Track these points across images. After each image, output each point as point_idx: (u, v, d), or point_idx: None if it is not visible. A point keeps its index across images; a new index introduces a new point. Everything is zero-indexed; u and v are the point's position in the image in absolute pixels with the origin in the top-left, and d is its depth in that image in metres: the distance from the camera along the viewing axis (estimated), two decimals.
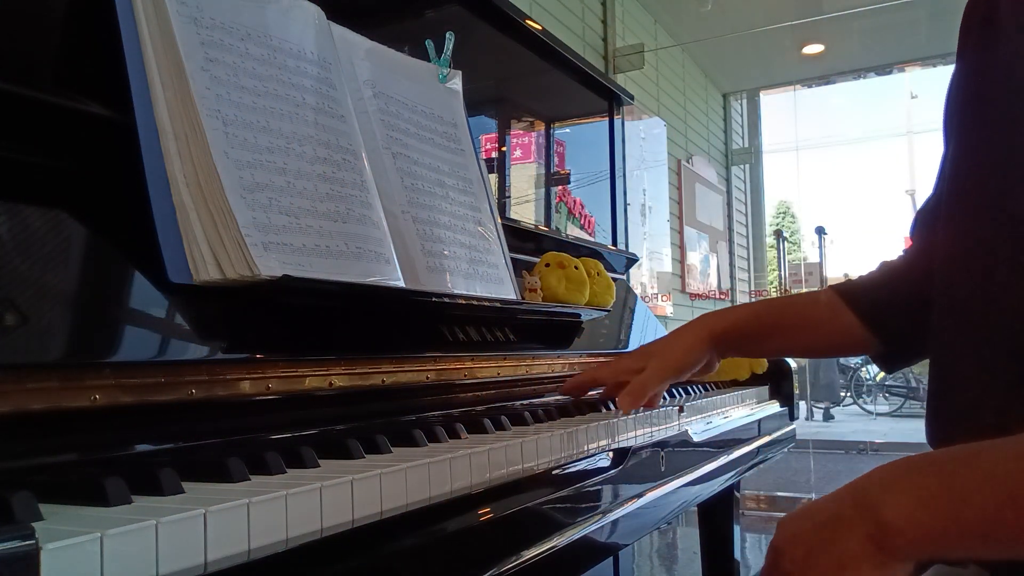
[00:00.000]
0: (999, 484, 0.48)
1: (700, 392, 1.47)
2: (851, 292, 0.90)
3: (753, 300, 7.38)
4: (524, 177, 1.77)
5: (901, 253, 0.89)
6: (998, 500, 0.48)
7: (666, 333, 1.71)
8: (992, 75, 0.66)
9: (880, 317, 0.87)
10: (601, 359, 1.32)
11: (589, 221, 1.98)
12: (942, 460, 0.53)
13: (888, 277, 0.89)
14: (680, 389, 1.43)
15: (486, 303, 1.03)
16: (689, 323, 0.98)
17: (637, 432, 0.98)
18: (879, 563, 0.51)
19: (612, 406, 1.08)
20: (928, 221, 0.81)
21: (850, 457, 6.16)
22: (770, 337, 0.97)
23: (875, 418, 8.27)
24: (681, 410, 1.13)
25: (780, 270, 7.30)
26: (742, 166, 7.19)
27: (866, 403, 8.77)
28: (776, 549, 0.57)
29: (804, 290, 7.32)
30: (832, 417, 8.14)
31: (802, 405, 8.11)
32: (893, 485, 0.53)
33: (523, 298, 1.18)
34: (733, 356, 1.03)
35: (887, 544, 0.51)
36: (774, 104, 7.53)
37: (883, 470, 0.54)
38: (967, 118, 0.70)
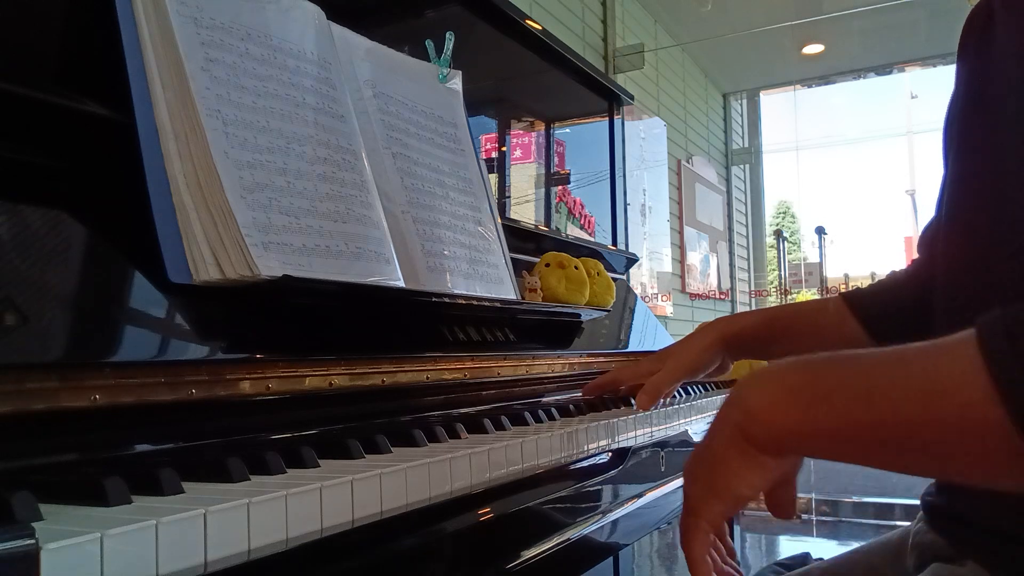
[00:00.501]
0: (855, 383, 0.49)
1: (700, 392, 1.47)
2: (857, 300, 0.92)
3: (753, 300, 7.39)
4: (524, 177, 1.77)
5: (907, 264, 0.90)
6: (851, 398, 0.49)
7: (666, 333, 1.71)
8: (988, 84, 0.66)
9: (882, 325, 0.88)
10: (602, 359, 1.32)
11: (589, 221, 1.98)
12: (815, 361, 0.53)
13: (893, 286, 0.90)
14: (680, 389, 1.43)
15: (486, 303, 1.03)
16: (703, 326, 1.02)
17: (637, 432, 0.98)
18: (743, 451, 0.54)
19: (615, 405, 1.08)
20: (930, 238, 0.82)
21: None
22: (780, 342, 0.98)
23: None
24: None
25: (780, 270, 7.29)
26: (742, 166, 7.19)
27: None
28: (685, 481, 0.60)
29: (804, 290, 7.33)
30: None
31: None
32: (763, 377, 0.55)
33: (523, 298, 1.18)
34: (745, 359, 1.06)
35: (750, 432, 0.53)
36: (774, 104, 7.53)
37: (760, 369, 0.56)
38: (965, 127, 0.71)
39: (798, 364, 0.54)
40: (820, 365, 0.53)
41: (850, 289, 0.95)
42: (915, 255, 0.89)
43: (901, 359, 0.49)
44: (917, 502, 0.75)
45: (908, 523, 0.79)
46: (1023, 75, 0.56)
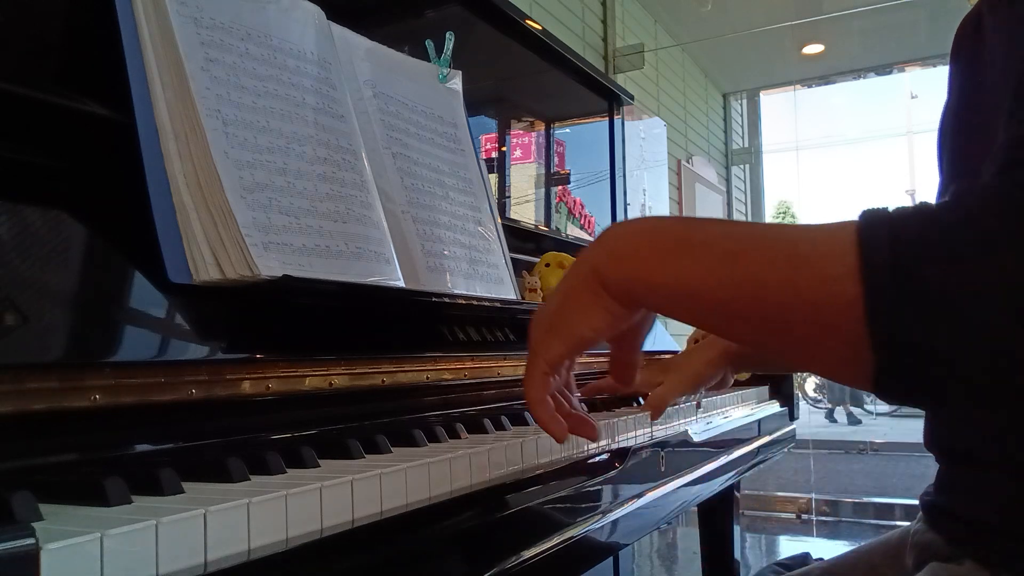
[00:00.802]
0: (724, 244, 0.50)
1: (701, 392, 1.47)
2: None
3: None
4: (524, 177, 1.77)
5: None
6: (717, 255, 0.49)
7: (666, 333, 1.71)
8: (978, 92, 0.66)
9: None
10: (602, 359, 1.32)
11: (589, 221, 1.98)
12: (689, 218, 0.57)
13: None
14: None
15: (486, 303, 1.03)
16: (707, 340, 1.04)
17: (637, 432, 0.98)
18: (594, 292, 0.55)
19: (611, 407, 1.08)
20: None
21: (850, 457, 6.16)
22: (779, 356, 0.99)
23: (875, 418, 8.28)
24: (699, 406, 1.16)
25: None
26: (742, 166, 7.19)
27: (866, 403, 8.78)
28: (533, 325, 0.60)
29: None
30: (859, 421, 8.21)
31: (838, 409, 8.27)
32: (631, 224, 0.56)
33: (523, 298, 1.18)
34: (747, 371, 1.08)
35: (605, 274, 0.54)
36: (774, 104, 7.52)
37: (632, 219, 0.59)
38: (956, 136, 0.71)
39: (671, 218, 0.55)
40: (693, 222, 0.55)
41: None
42: None
43: (777, 229, 0.50)
44: (917, 502, 0.75)
45: (908, 523, 0.79)
46: (1008, 83, 0.56)
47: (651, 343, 1.62)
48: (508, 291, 1.10)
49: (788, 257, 0.46)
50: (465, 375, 0.98)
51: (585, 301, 0.55)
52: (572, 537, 0.73)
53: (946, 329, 0.41)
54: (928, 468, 0.71)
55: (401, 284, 0.87)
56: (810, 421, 7.94)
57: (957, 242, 0.41)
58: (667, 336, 1.79)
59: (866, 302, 0.42)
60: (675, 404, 1.06)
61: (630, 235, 0.55)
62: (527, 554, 0.67)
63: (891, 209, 0.45)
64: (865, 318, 0.42)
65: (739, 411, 1.39)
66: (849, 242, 0.44)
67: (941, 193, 0.74)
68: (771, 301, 0.46)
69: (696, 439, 1.10)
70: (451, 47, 1.13)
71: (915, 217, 0.44)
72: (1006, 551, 0.61)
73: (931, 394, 0.45)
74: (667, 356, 1.15)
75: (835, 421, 8.35)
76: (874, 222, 0.44)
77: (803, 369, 0.56)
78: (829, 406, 8.41)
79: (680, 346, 1.58)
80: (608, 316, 0.55)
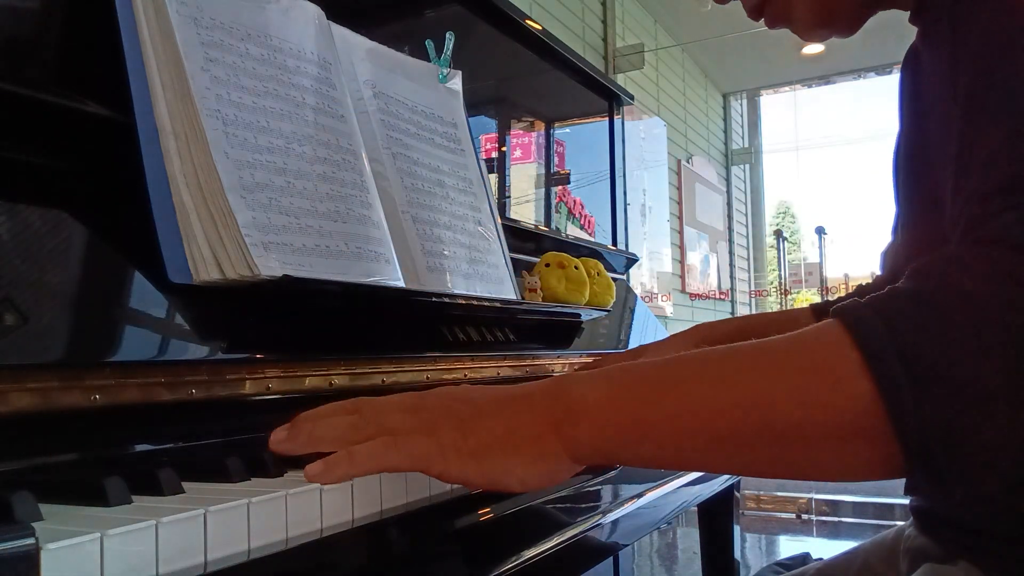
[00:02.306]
0: (711, 370, 0.47)
1: None
2: (823, 311, 0.95)
3: (754, 300, 7.39)
4: (524, 177, 1.77)
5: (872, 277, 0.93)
6: (708, 383, 0.46)
7: (666, 333, 1.71)
8: (920, 126, 0.66)
9: None
10: (599, 359, 1.32)
11: (589, 221, 1.98)
12: (656, 360, 0.50)
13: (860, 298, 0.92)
14: None
15: (486, 303, 1.03)
16: (683, 330, 1.06)
17: None
18: (549, 449, 0.49)
19: None
20: (891, 255, 0.84)
21: None
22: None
23: None
24: None
25: (780, 270, 7.30)
26: (742, 166, 7.19)
27: None
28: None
29: (804, 290, 7.33)
30: None
31: None
32: (594, 375, 0.51)
33: (523, 298, 1.18)
34: None
35: (569, 432, 0.48)
36: (774, 104, 7.53)
37: (586, 371, 0.52)
38: (904, 169, 0.71)
39: (634, 363, 0.50)
40: (663, 361, 0.50)
41: (818, 301, 0.98)
42: None
43: (755, 345, 0.47)
44: None
45: (903, 523, 0.79)
46: (942, 116, 0.54)
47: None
48: (508, 291, 1.10)
49: (793, 371, 0.45)
50: (465, 375, 0.98)
51: (530, 455, 0.49)
52: (572, 537, 0.74)
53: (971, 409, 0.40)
54: None
55: (401, 284, 0.87)
56: None
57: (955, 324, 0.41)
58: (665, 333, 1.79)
59: (882, 393, 0.41)
60: None
61: (595, 386, 0.49)
62: (528, 554, 0.67)
63: (862, 301, 0.44)
64: (887, 413, 0.41)
65: None
66: (842, 339, 0.43)
67: (898, 225, 0.74)
68: (783, 416, 0.44)
69: None
70: (451, 47, 1.13)
71: (899, 301, 0.43)
72: (998, 550, 0.61)
73: (963, 478, 0.42)
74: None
75: None
76: (853, 311, 0.44)
77: (817, 479, 0.52)
78: None
79: None
80: (547, 479, 0.50)
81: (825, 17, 0.68)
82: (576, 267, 1.30)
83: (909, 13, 0.67)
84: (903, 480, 0.45)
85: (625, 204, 1.94)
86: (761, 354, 0.47)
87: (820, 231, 7.16)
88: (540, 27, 1.53)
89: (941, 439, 0.40)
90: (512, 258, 1.15)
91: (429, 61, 1.13)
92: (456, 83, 1.16)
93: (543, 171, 1.80)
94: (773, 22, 0.71)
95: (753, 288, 7.41)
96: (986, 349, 0.40)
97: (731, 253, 6.74)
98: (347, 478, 0.50)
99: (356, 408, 0.53)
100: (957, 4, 0.53)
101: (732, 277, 6.74)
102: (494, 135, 1.61)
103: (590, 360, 1.29)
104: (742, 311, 6.83)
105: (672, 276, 5.24)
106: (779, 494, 4.67)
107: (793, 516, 4.48)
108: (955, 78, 0.52)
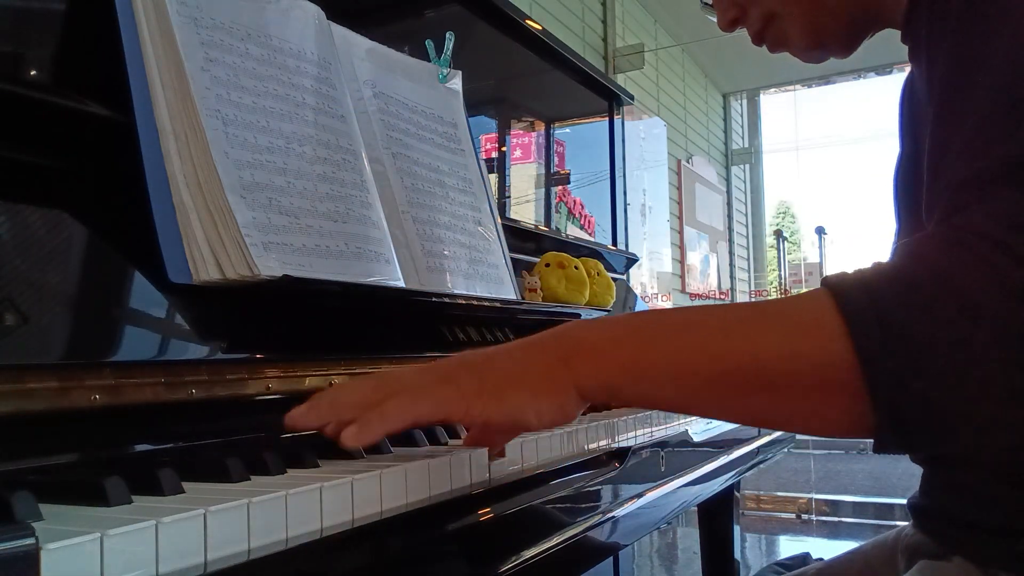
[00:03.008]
0: (709, 322, 0.52)
1: None
2: None
3: (753, 300, 7.37)
4: (524, 177, 1.77)
5: None
6: (706, 332, 0.51)
7: None
8: (918, 147, 0.67)
9: None
10: None
11: (589, 221, 1.98)
12: (658, 309, 0.57)
13: None
14: None
15: (486, 303, 1.03)
16: None
17: (637, 432, 0.98)
18: (559, 384, 0.54)
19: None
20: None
21: (850, 457, 6.16)
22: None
23: None
24: None
25: (780, 270, 7.30)
26: (742, 166, 7.19)
27: None
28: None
29: (804, 290, 7.32)
30: None
31: None
32: (600, 319, 0.57)
33: (523, 298, 1.18)
34: None
35: (577, 367, 0.53)
36: (774, 104, 7.53)
37: (594, 317, 0.60)
38: (902, 190, 0.72)
39: (638, 312, 0.56)
40: (665, 310, 0.56)
41: None
42: None
43: (754, 305, 0.53)
44: None
45: (905, 523, 0.79)
46: (933, 133, 0.57)
47: None
48: (508, 291, 1.10)
49: (781, 328, 0.49)
50: None
51: (543, 389, 0.54)
52: (572, 537, 0.73)
53: (936, 374, 0.45)
54: None
55: (401, 284, 0.87)
56: None
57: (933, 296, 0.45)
58: None
59: (859, 353, 0.45)
60: None
61: (601, 328, 0.55)
62: (528, 554, 0.67)
63: (850, 273, 0.49)
64: (862, 371, 0.45)
65: None
66: (828, 306, 0.47)
67: (896, 243, 0.75)
68: (772, 366, 0.49)
69: (696, 439, 1.10)
70: (451, 47, 1.13)
71: (880, 274, 0.48)
72: (992, 544, 0.61)
73: (928, 440, 0.48)
74: None
75: None
76: (840, 282, 0.48)
77: (798, 430, 0.59)
78: None
79: None
80: (559, 413, 0.54)
81: (819, 41, 0.73)
82: (576, 267, 1.30)
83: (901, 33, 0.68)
84: (903, 480, 0.46)
85: (625, 204, 1.94)
86: (756, 311, 0.53)
87: (820, 231, 7.16)
88: (540, 27, 1.53)
89: (907, 397, 0.45)
90: (512, 258, 1.15)
91: (429, 61, 1.13)
92: (456, 83, 1.16)
93: (543, 171, 1.80)
94: (773, 47, 0.76)
95: (753, 288, 7.41)
96: (946, 320, 0.44)
97: (731, 253, 6.74)
98: (381, 434, 0.54)
99: (373, 378, 0.59)
100: (933, 6, 0.56)
101: (732, 277, 6.74)
102: (494, 135, 1.61)
103: None
104: None
105: (672, 276, 5.24)
106: (779, 494, 4.67)
107: (793, 516, 4.48)
108: (932, 77, 0.55)
